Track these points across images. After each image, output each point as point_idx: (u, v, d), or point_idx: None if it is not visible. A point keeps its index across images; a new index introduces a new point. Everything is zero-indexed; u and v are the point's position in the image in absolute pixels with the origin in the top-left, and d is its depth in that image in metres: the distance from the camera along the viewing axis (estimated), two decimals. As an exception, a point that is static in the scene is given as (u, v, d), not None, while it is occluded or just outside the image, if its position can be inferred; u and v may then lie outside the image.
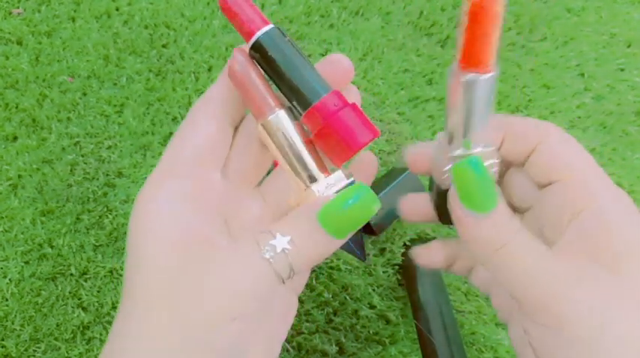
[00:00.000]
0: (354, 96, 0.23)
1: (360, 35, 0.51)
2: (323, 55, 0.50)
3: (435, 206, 0.24)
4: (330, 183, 0.21)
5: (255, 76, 0.21)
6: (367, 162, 0.24)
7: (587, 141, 0.46)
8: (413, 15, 0.52)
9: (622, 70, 0.50)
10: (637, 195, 0.44)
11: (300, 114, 0.21)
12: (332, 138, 0.20)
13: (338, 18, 0.52)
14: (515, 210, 0.24)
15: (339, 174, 0.21)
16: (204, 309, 0.19)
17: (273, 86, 0.21)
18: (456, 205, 0.21)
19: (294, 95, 0.20)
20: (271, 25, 0.20)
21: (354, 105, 0.20)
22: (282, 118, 0.21)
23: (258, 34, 0.20)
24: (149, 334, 0.19)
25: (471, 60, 0.19)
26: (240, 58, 0.21)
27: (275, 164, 0.23)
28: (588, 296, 0.19)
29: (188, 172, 0.21)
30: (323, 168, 0.21)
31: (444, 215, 0.23)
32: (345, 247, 0.25)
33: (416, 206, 0.26)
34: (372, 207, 0.20)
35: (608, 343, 0.18)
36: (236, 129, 0.23)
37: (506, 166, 0.24)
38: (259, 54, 0.20)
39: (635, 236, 0.20)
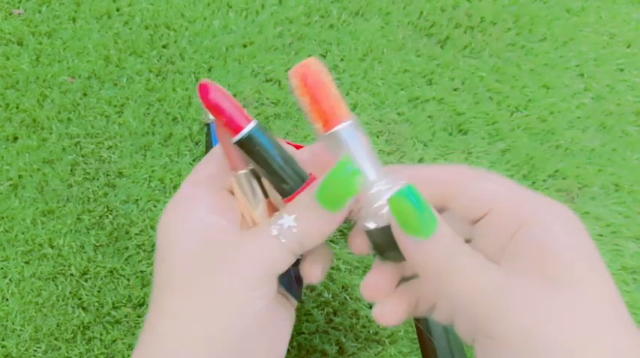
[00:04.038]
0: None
1: (360, 35, 0.51)
2: (323, 56, 0.50)
3: (375, 248, 0.25)
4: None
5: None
6: None
7: (586, 142, 0.46)
8: (413, 15, 0.52)
9: (621, 70, 0.50)
10: (637, 195, 0.44)
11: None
12: None
13: (338, 18, 0.52)
14: None
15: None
16: (225, 287, 0.22)
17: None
18: (400, 235, 0.22)
19: (276, 181, 0.24)
20: (255, 122, 0.23)
21: None
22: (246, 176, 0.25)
23: (246, 130, 0.23)
24: (178, 314, 0.22)
25: (325, 121, 0.22)
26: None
27: None
28: (522, 315, 0.19)
29: (212, 186, 0.25)
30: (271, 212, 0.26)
31: (384, 252, 0.24)
32: (284, 285, 0.26)
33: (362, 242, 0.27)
34: (354, 179, 0.22)
35: (544, 353, 0.19)
36: None
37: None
38: (246, 146, 0.23)
39: (567, 250, 0.20)
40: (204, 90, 0.22)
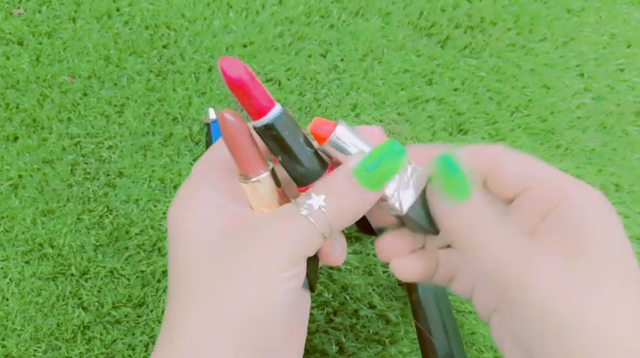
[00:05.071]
0: (378, 134, 0.25)
1: (360, 36, 0.51)
2: (323, 56, 0.50)
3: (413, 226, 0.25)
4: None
5: (246, 140, 0.22)
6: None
7: (586, 142, 0.46)
8: (413, 15, 0.52)
9: (622, 70, 0.50)
10: (637, 195, 0.44)
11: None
12: None
13: (338, 18, 0.52)
14: None
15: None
16: (253, 266, 0.21)
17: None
18: (436, 202, 0.23)
19: (297, 167, 0.23)
20: (280, 107, 0.22)
21: None
22: (264, 182, 0.23)
23: (276, 112, 0.22)
24: (202, 304, 0.21)
25: (319, 139, 0.23)
26: (234, 123, 0.22)
27: None
28: (549, 284, 0.20)
29: (220, 175, 0.23)
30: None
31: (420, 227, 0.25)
32: None
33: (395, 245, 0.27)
34: (401, 158, 0.22)
35: (564, 316, 0.20)
36: None
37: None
38: (272, 130, 0.22)
39: (599, 232, 0.21)
40: (229, 66, 0.20)
